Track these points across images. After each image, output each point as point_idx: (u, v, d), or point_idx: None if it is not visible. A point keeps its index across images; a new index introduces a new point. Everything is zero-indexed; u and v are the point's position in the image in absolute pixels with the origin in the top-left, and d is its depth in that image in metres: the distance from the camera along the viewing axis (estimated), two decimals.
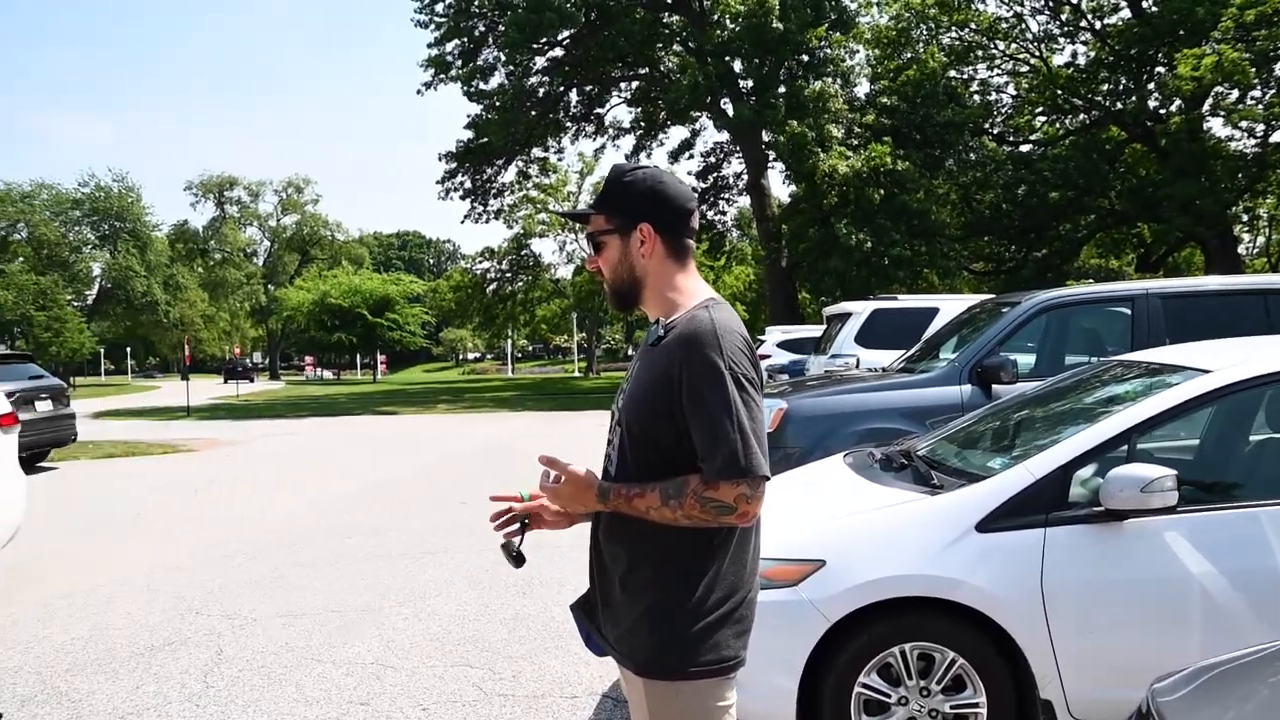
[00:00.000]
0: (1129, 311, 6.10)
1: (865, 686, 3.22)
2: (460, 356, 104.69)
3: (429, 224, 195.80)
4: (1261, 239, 42.25)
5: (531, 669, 4.59)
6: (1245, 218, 35.41)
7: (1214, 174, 26.85)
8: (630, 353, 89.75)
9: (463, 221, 45.72)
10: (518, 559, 2.17)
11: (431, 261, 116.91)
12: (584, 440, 15.46)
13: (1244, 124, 27.70)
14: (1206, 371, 3.39)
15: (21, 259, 54.83)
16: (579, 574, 6.65)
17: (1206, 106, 28.43)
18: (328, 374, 74.25)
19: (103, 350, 71.49)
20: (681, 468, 1.82)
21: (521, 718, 4.01)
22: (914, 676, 3.23)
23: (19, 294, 50.67)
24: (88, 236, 60.27)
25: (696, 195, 2.01)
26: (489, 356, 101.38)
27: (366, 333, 58.59)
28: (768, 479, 1.80)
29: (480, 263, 52.17)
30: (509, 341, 74.57)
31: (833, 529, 3.37)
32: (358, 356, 69.61)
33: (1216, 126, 29.51)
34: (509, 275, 51.64)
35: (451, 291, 54.58)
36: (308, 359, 75.25)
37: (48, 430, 13.11)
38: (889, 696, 3.23)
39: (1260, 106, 27.25)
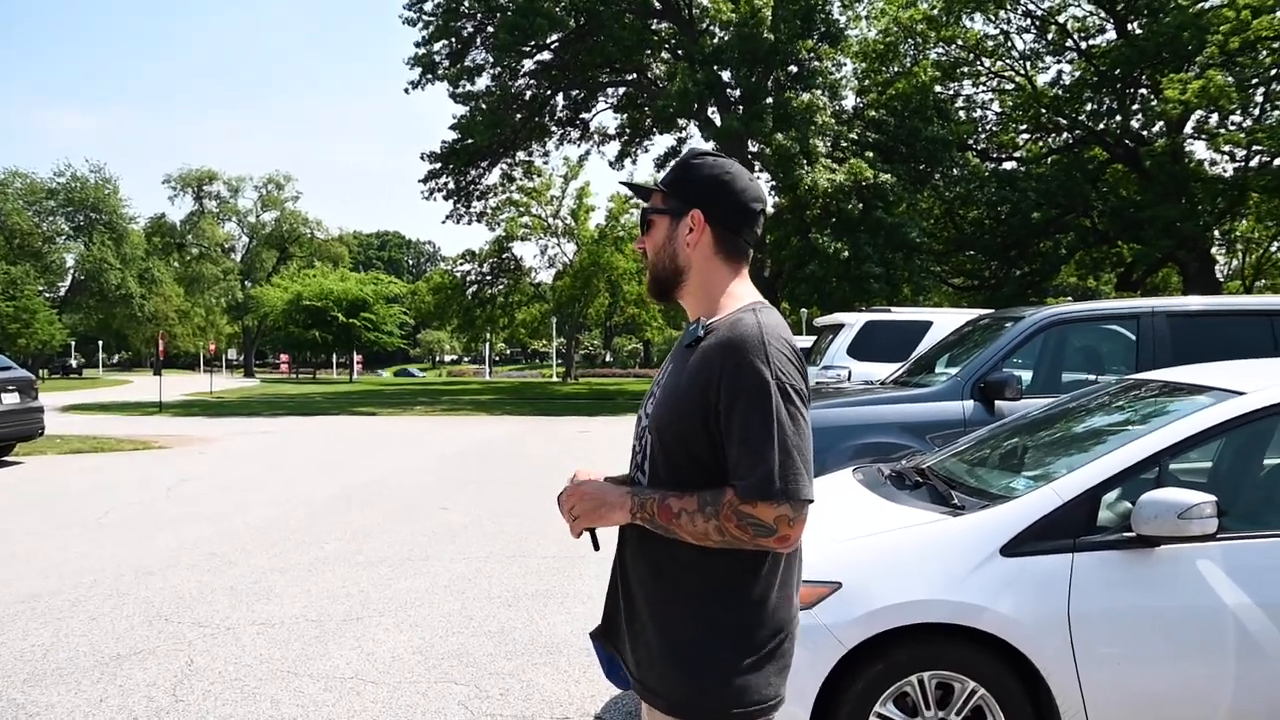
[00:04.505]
0: (1134, 330, 5.99)
1: (881, 717, 3.06)
2: (438, 358, 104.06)
3: (410, 224, 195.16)
4: (1236, 261, 42.70)
5: (520, 686, 4.39)
6: (1220, 240, 35.79)
7: (1194, 196, 27.10)
8: (608, 359, 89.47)
9: (444, 222, 45.29)
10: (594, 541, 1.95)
11: (411, 262, 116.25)
12: (570, 446, 15.27)
13: (1226, 148, 27.99)
14: (1239, 393, 3.25)
15: None
16: (565, 585, 6.48)
17: (1189, 129, 28.71)
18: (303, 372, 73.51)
19: (73, 343, 70.43)
20: (718, 479, 1.65)
21: None
22: (932, 707, 3.07)
23: None
24: (62, 227, 59.34)
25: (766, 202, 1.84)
26: (466, 359, 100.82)
27: (342, 332, 58.04)
28: (811, 502, 1.63)
29: (461, 265, 51.89)
30: (487, 345, 74.15)
31: (849, 550, 3.20)
32: (334, 356, 68.99)
33: (1198, 150, 29.78)
34: (489, 278, 51.37)
35: (431, 293, 54.21)
36: (283, 357, 74.48)
37: (13, 423, 12.76)
38: None
39: (1241, 131, 27.54)
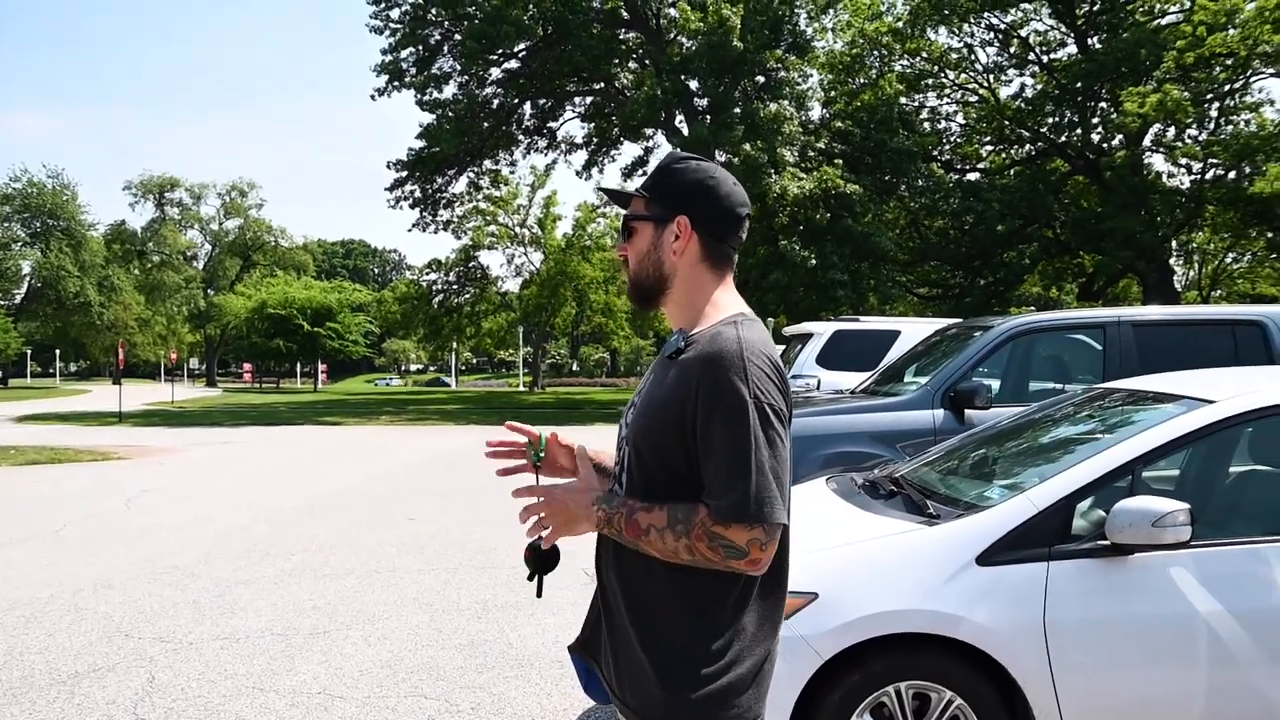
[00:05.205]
0: (1101, 339, 6.05)
1: None
2: (403, 368, 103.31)
3: (375, 233, 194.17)
4: (1193, 272, 43.54)
5: (491, 700, 4.33)
6: (1178, 251, 36.52)
7: (1153, 208, 27.61)
8: (575, 369, 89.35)
9: (410, 230, 45.12)
10: (536, 564, 1.84)
11: (376, 270, 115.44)
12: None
13: (1183, 161, 28.56)
14: (1210, 402, 3.28)
15: None
16: (534, 598, 6.40)
17: (1147, 142, 29.26)
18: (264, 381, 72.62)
19: (29, 351, 69.07)
20: (695, 493, 1.61)
21: None
22: (909, 717, 3.05)
23: None
24: (18, 234, 58.25)
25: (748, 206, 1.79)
26: (432, 369, 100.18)
27: (307, 341, 57.44)
28: (785, 526, 1.59)
29: (427, 274, 51.59)
30: (453, 354, 73.71)
31: (825, 560, 3.18)
32: (298, 365, 68.29)
33: (1157, 162, 30.38)
34: (456, 287, 51.12)
35: (397, 302, 53.87)
36: (246, 366, 73.59)
37: None
38: None
39: (1198, 144, 28.12)
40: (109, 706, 4.23)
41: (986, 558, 3.04)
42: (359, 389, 66.56)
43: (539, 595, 1.86)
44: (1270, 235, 28.94)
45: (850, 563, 3.17)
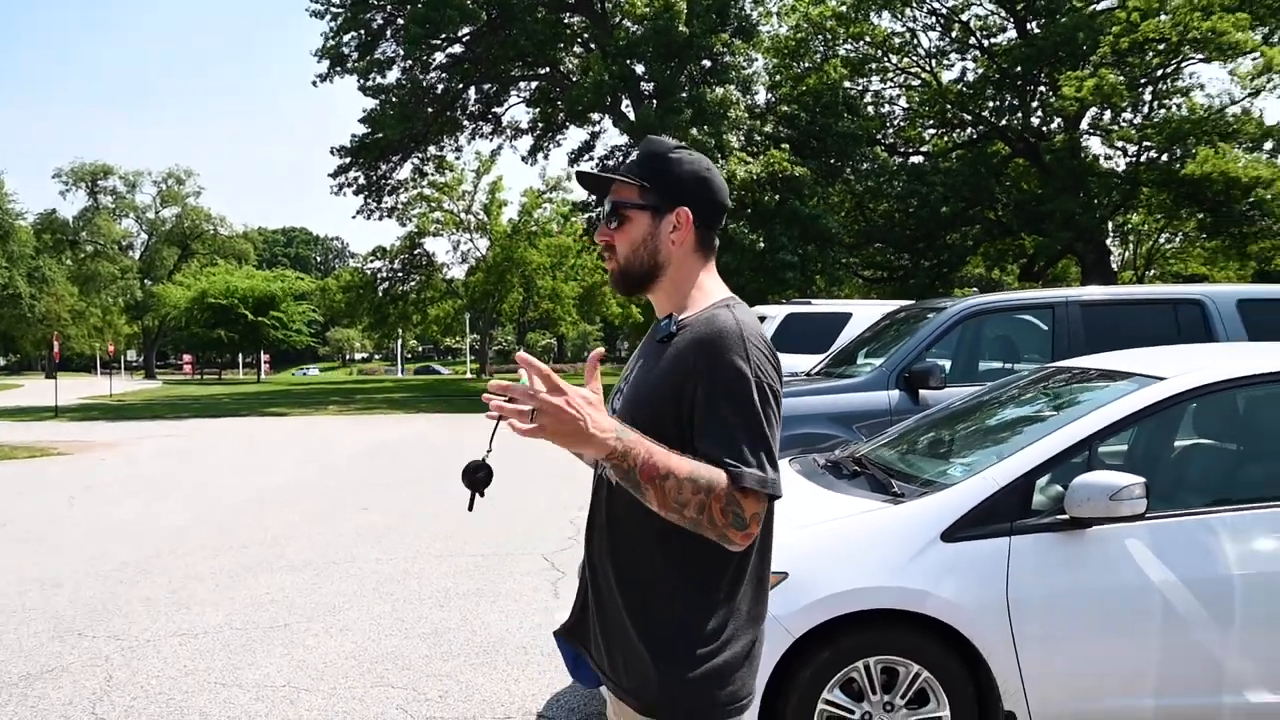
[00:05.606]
0: (1050, 319, 6.20)
1: (829, 703, 3.10)
2: (348, 357, 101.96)
3: (317, 220, 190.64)
4: (1129, 252, 44.66)
5: (458, 688, 4.32)
6: (1114, 232, 37.46)
7: (1091, 190, 28.26)
8: (522, 354, 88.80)
9: (355, 217, 44.56)
10: (471, 475, 1.61)
11: (319, 259, 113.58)
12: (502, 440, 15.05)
13: (1119, 144, 29.25)
14: (1161, 378, 3.38)
15: None
16: (497, 584, 6.39)
17: (1085, 125, 29.91)
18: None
19: None
20: None
21: None
22: (878, 691, 3.12)
23: None
24: None
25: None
26: (377, 357, 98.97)
27: (249, 331, 56.35)
28: (778, 498, 1.63)
29: (372, 261, 50.90)
30: (399, 342, 72.91)
31: (794, 539, 3.22)
32: (240, 355, 66.99)
33: (1094, 145, 31.08)
34: (401, 275, 50.53)
35: (341, 291, 53.08)
36: (186, 357, 71.96)
37: None
38: (852, 713, 3.11)
39: (1133, 128, 28.83)
40: (66, 707, 4.14)
41: (951, 534, 3.12)
42: (288, 381, 65.59)
43: (471, 508, 1.65)
44: (1200, 216, 29.79)
45: (818, 542, 3.23)
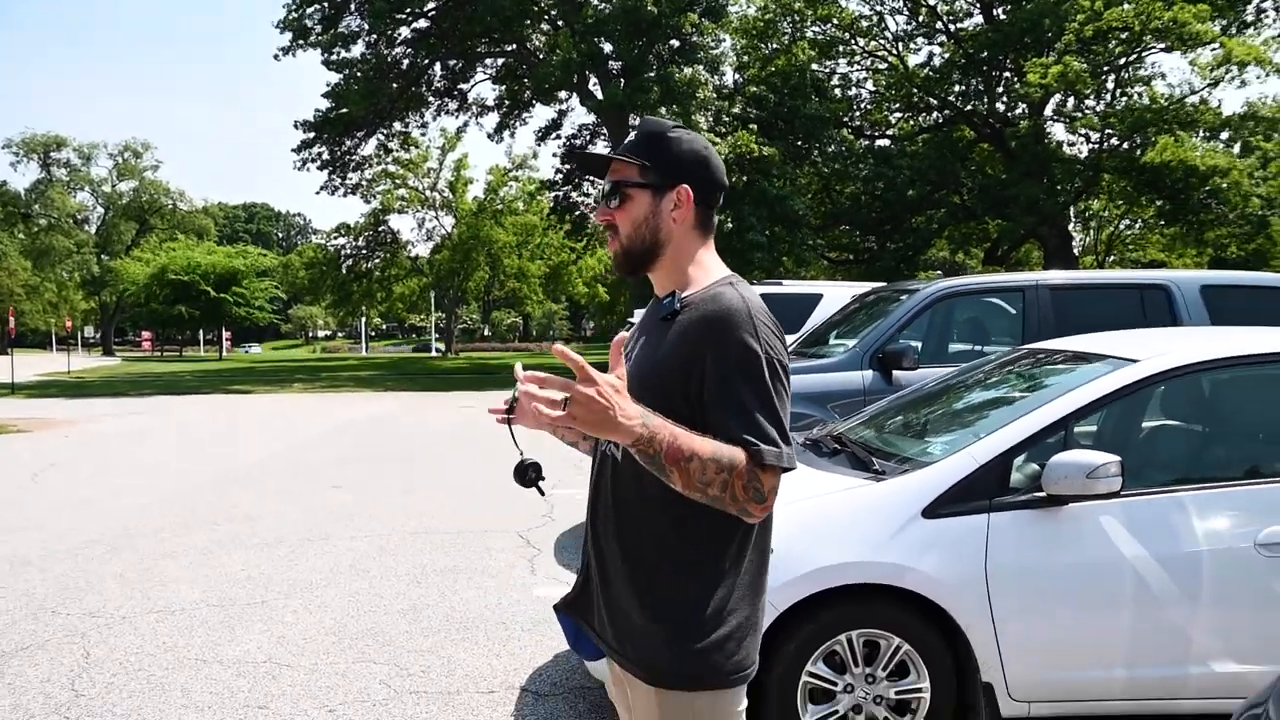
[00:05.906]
0: (1020, 303, 6.31)
1: (812, 675, 3.17)
2: (311, 334, 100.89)
3: (279, 196, 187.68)
4: (1090, 238, 45.35)
5: (440, 663, 4.36)
6: (1076, 217, 38.01)
7: (1054, 175, 28.63)
8: (487, 333, 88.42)
9: (318, 193, 43.98)
10: (525, 475, 1.85)
11: (281, 235, 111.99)
12: (455, 419, 15.07)
13: (1082, 130, 29.64)
14: (1133, 360, 3.48)
15: None
16: (473, 560, 6.41)
17: (1049, 111, 30.25)
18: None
19: None
20: None
21: (439, 716, 3.78)
22: (860, 664, 3.20)
23: None
24: None
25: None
26: (341, 335, 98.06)
27: (211, 308, 55.50)
28: (790, 470, 1.68)
29: (336, 238, 50.38)
30: (363, 320, 72.25)
31: (778, 515, 3.28)
32: (200, 332, 66.00)
33: (1058, 131, 31.46)
34: (366, 252, 50.09)
35: (305, 268, 52.48)
36: (145, 334, 70.75)
37: None
38: (835, 685, 3.19)
39: (1095, 115, 29.22)
40: (45, 684, 4.12)
41: (931, 510, 3.20)
42: (265, 356, 64.80)
43: (543, 494, 1.96)
44: (1160, 203, 30.30)
45: (802, 518, 3.28)
